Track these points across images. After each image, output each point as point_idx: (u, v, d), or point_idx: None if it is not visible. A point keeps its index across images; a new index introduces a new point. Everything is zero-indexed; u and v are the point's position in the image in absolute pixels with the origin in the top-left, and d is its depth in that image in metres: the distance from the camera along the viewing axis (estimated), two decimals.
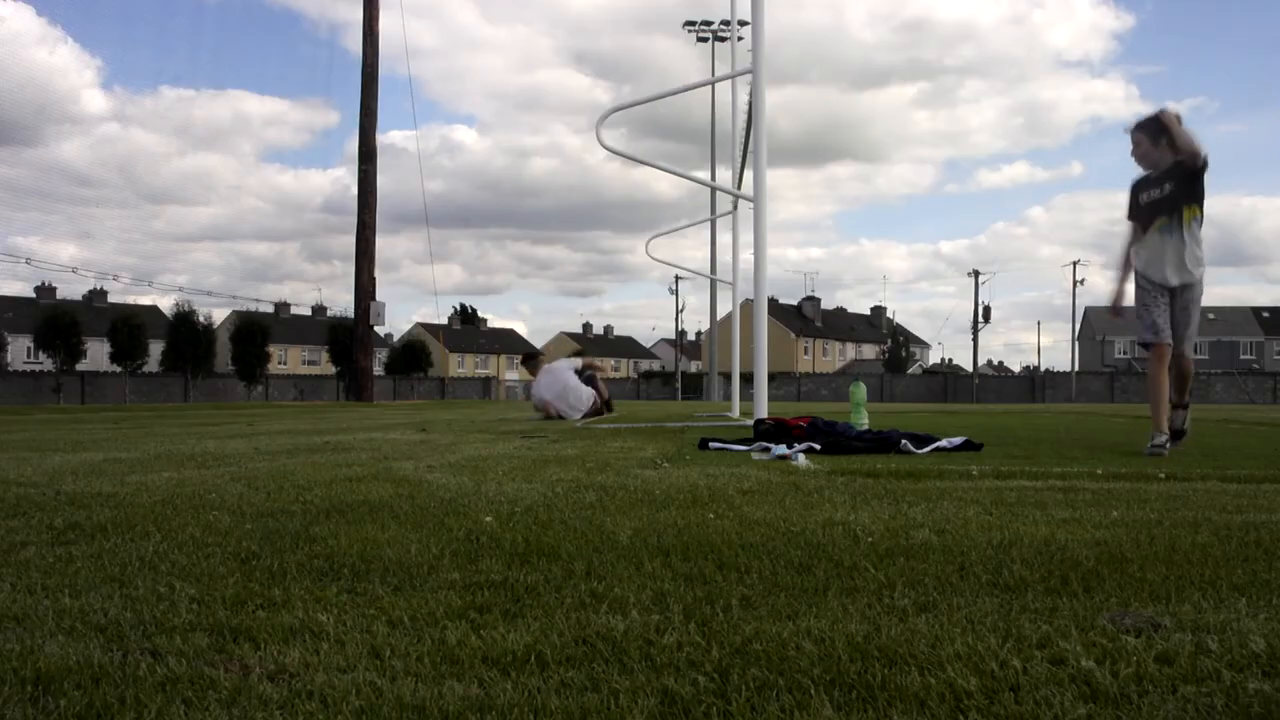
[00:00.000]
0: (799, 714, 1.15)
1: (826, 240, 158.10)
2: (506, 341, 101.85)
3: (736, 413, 13.45)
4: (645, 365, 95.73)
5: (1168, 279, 5.20)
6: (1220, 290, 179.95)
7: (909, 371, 72.34)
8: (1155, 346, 5.19)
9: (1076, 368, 62.94)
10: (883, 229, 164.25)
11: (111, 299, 64.52)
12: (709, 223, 37.02)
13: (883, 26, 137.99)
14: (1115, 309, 5.50)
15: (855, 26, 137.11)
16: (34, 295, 64.20)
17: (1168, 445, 5.03)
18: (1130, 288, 5.41)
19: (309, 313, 73.76)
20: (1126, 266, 5.42)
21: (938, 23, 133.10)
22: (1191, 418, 5.73)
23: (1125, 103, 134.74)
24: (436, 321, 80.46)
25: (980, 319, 66.29)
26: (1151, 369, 5.23)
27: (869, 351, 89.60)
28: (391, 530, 2.40)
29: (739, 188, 13.91)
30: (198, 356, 42.87)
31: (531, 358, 11.84)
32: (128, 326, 42.11)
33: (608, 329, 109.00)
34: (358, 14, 26.80)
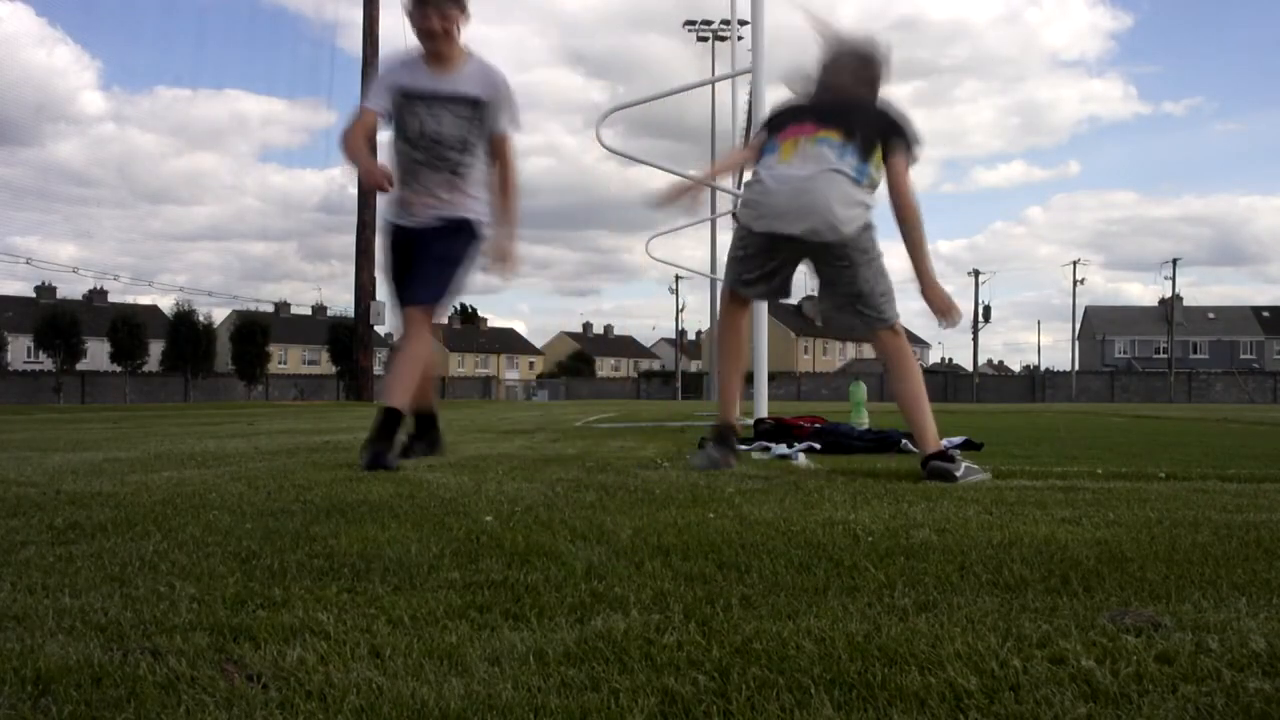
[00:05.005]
0: (799, 713, 1.15)
1: None
2: (506, 341, 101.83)
3: (736, 412, 13.43)
4: (645, 365, 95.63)
5: None
6: (1220, 290, 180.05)
7: None
8: None
9: (1076, 367, 62.93)
10: (881, 228, 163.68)
11: (111, 299, 64.55)
12: (709, 222, 36.99)
13: (874, 26, 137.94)
14: None
15: (846, 26, 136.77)
16: (34, 295, 64.21)
17: None
18: None
19: (309, 313, 73.76)
20: None
21: (929, 22, 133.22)
22: (1192, 417, 5.36)
23: (1123, 102, 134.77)
24: (436, 321, 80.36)
25: (980, 318, 66.26)
26: None
27: (869, 351, 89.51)
28: (391, 530, 2.40)
29: (739, 187, 13.91)
30: (198, 356, 42.92)
31: None
32: (128, 326, 42.18)
33: (608, 328, 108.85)
34: (356, 14, 26.86)
